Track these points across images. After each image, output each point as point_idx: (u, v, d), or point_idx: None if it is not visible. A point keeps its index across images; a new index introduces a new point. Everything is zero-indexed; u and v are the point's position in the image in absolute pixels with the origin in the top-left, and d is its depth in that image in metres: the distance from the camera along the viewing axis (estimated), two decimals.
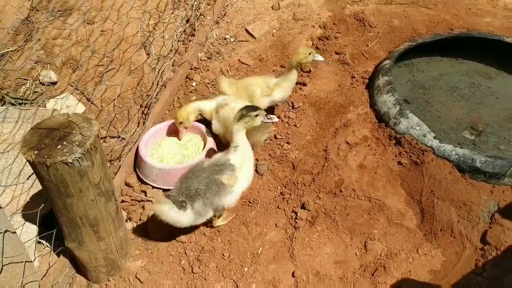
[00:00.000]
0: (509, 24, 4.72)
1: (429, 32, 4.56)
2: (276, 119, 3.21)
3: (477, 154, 3.31)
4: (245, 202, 3.39)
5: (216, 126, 3.57)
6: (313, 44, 4.56)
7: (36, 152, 2.27)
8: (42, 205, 2.73)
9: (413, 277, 2.97)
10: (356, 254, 3.11)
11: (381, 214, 3.26)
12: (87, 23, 4.57)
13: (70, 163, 2.27)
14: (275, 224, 3.28)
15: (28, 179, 3.13)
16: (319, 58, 3.67)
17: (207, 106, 3.62)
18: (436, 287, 2.92)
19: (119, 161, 3.66)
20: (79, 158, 2.29)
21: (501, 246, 2.99)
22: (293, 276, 3.01)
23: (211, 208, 3.05)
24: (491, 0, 5.09)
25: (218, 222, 3.29)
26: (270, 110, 3.87)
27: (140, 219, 3.34)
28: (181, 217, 2.98)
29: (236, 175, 3.08)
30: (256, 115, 3.10)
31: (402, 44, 4.37)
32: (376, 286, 2.93)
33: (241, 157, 3.11)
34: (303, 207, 3.31)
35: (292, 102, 4.01)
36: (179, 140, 3.71)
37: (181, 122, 3.59)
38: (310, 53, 3.61)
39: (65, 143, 2.31)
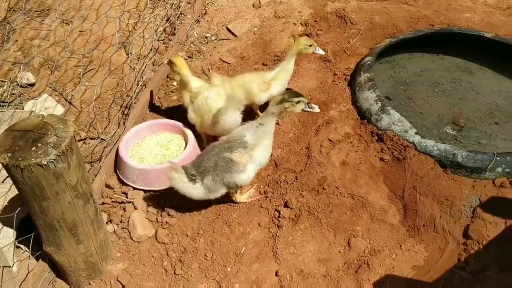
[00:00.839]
0: (489, 20, 4.75)
1: (410, 28, 4.57)
2: (317, 109, 3.22)
3: (458, 149, 3.32)
4: (227, 202, 3.36)
5: (191, 116, 3.57)
6: (294, 41, 4.53)
7: (9, 154, 2.22)
8: (19, 208, 2.67)
9: (397, 273, 2.97)
10: (339, 251, 3.10)
11: (364, 211, 3.25)
12: (65, 23, 4.50)
13: (45, 165, 2.22)
14: (258, 223, 3.25)
15: (3, 182, 3.07)
16: (320, 51, 3.77)
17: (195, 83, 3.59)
18: (419, 283, 2.91)
19: (99, 162, 3.60)
20: (54, 160, 2.24)
21: (483, 240, 3.00)
22: (276, 275, 2.99)
23: (222, 185, 3.11)
24: None
25: (241, 199, 3.34)
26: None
27: (121, 221, 3.29)
28: (191, 190, 3.07)
29: (249, 152, 3.11)
30: (298, 102, 3.11)
31: (383, 41, 4.38)
32: (359, 283, 2.92)
33: (260, 136, 3.12)
34: (286, 205, 3.29)
35: None
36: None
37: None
38: (311, 45, 3.70)
39: (39, 145, 2.26)
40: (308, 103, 3.17)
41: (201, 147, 3.55)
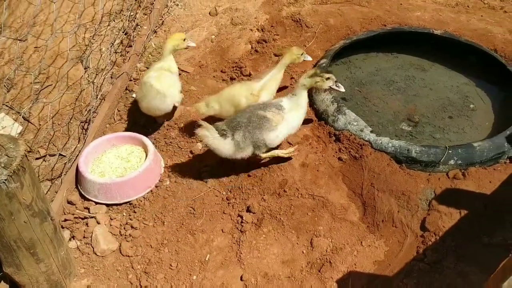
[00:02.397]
0: (439, 17, 4.91)
1: (364, 29, 4.68)
2: (343, 89, 3.51)
3: (412, 144, 3.43)
4: (190, 210, 3.38)
5: (138, 94, 3.80)
6: (252, 47, 4.60)
7: None
8: None
9: (359, 269, 3.04)
10: (302, 252, 3.16)
11: (325, 211, 3.32)
12: (20, 40, 4.45)
13: None
14: (222, 230, 3.28)
15: None
16: (308, 58, 3.91)
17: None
18: (380, 277, 2.99)
19: (60, 179, 3.58)
20: (5, 180, 2.23)
21: (439, 232, 3.10)
22: (241, 279, 3.02)
23: (250, 143, 3.26)
24: None
25: (278, 152, 3.46)
26: None
27: (84, 237, 3.27)
28: (222, 145, 3.23)
29: (282, 114, 3.30)
30: (327, 78, 3.42)
31: (338, 43, 4.47)
32: (323, 281, 2.97)
33: (293, 104, 3.39)
34: (248, 210, 3.33)
35: None
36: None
37: None
38: (302, 54, 3.82)
39: None
40: (336, 81, 3.43)
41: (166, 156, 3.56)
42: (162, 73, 3.73)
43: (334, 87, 3.48)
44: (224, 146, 3.24)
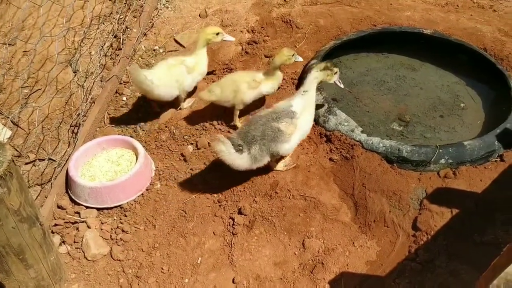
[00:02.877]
0: (429, 16, 4.91)
1: (354, 29, 4.68)
2: (342, 85, 3.59)
3: (403, 144, 3.43)
4: (181, 213, 3.36)
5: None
6: (242, 49, 4.58)
7: None
8: None
9: (351, 270, 3.04)
10: (295, 253, 3.15)
11: (317, 211, 3.31)
12: (8, 44, 4.42)
13: None
14: (213, 232, 3.27)
15: None
16: (299, 59, 3.85)
17: None
18: (373, 277, 2.99)
19: (50, 183, 3.55)
20: None
21: (431, 231, 3.10)
22: (233, 282, 3.01)
23: (267, 154, 3.24)
24: None
25: (279, 167, 3.47)
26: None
27: (74, 241, 3.25)
28: (238, 160, 3.16)
29: (294, 123, 3.26)
30: (336, 73, 3.46)
31: (328, 43, 4.47)
32: (315, 283, 2.97)
33: (306, 104, 3.33)
34: (240, 212, 3.31)
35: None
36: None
37: None
38: (293, 55, 3.76)
39: None
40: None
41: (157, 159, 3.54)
42: (170, 63, 3.85)
43: (337, 82, 3.55)
44: (241, 161, 3.19)
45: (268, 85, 3.80)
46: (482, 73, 4.25)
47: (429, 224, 3.13)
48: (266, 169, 3.51)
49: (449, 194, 3.28)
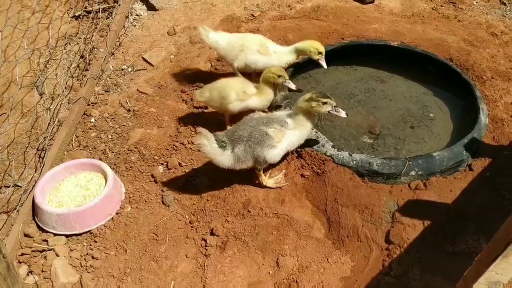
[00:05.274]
0: (395, 28, 4.98)
1: (322, 43, 4.69)
2: (344, 114, 3.36)
3: (373, 157, 3.44)
4: (153, 236, 3.30)
5: None
6: (211, 65, 4.57)
7: None
8: None
9: (326, 287, 3.01)
10: (269, 272, 3.11)
11: (290, 229, 3.29)
12: None
13: None
14: (186, 255, 3.21)
15: None
16: (292, 86, 3.72)
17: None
18: None
19: (16, 211, 3.45)
20: None
21: (404, 244, 3.11)
22: None
23: (251, 157, 3.24)
24: (377, 7, 5.37)
25: (268, 183, 3.44)
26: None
27: (42, 271, 3.15)
28: (220, 157, 3.20)
29: (284, 131, 3.27)
30: (324, 103, 3.28)
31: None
32: None
33: (296, 124, 3.32)
34: (212, 233, 3.27)
35: (194, 127, 3.98)
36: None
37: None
38: (280, 76, 3.61)
39: None
40: (335, 106, 3.32)
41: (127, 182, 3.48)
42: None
43: (333, 112, 3.31)
44: (222, 158, 3.22)
45: (255, 100, 3.72)
46: (449, 83, 4.31)
47: (401, 237, 3.14)
48: (238, 187, 3.48)
49: (421, 206, 3.29)
